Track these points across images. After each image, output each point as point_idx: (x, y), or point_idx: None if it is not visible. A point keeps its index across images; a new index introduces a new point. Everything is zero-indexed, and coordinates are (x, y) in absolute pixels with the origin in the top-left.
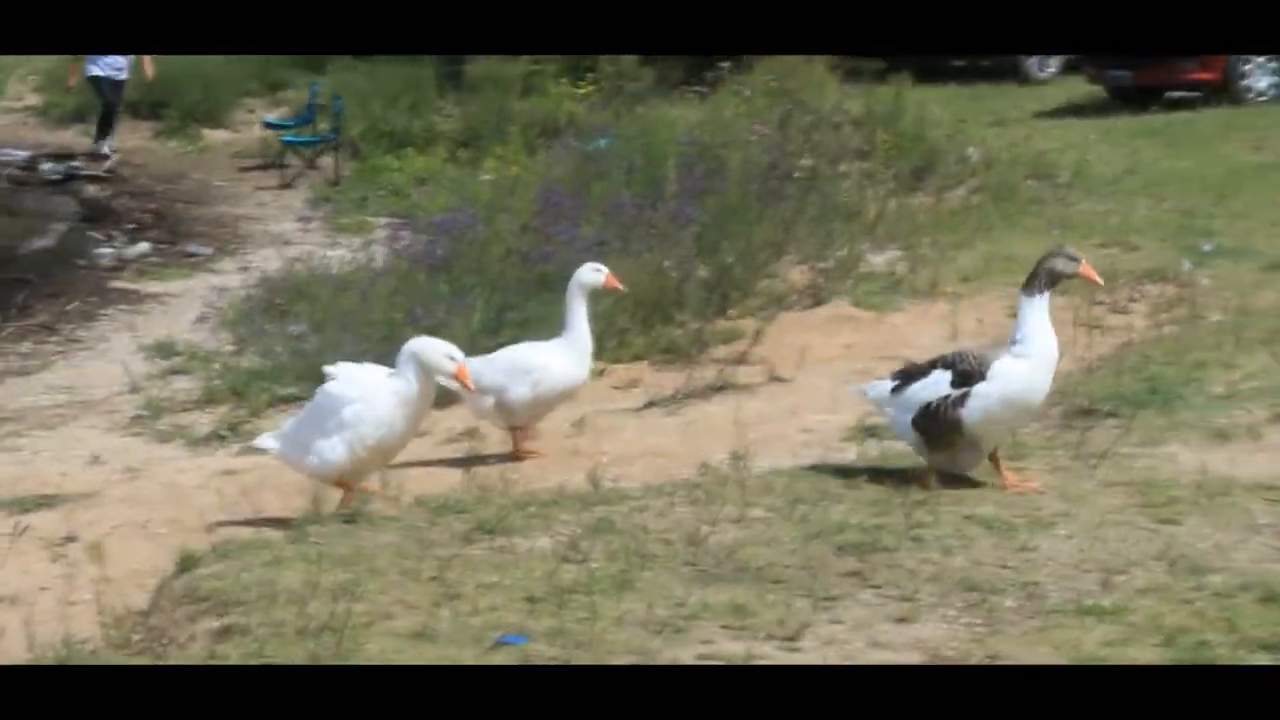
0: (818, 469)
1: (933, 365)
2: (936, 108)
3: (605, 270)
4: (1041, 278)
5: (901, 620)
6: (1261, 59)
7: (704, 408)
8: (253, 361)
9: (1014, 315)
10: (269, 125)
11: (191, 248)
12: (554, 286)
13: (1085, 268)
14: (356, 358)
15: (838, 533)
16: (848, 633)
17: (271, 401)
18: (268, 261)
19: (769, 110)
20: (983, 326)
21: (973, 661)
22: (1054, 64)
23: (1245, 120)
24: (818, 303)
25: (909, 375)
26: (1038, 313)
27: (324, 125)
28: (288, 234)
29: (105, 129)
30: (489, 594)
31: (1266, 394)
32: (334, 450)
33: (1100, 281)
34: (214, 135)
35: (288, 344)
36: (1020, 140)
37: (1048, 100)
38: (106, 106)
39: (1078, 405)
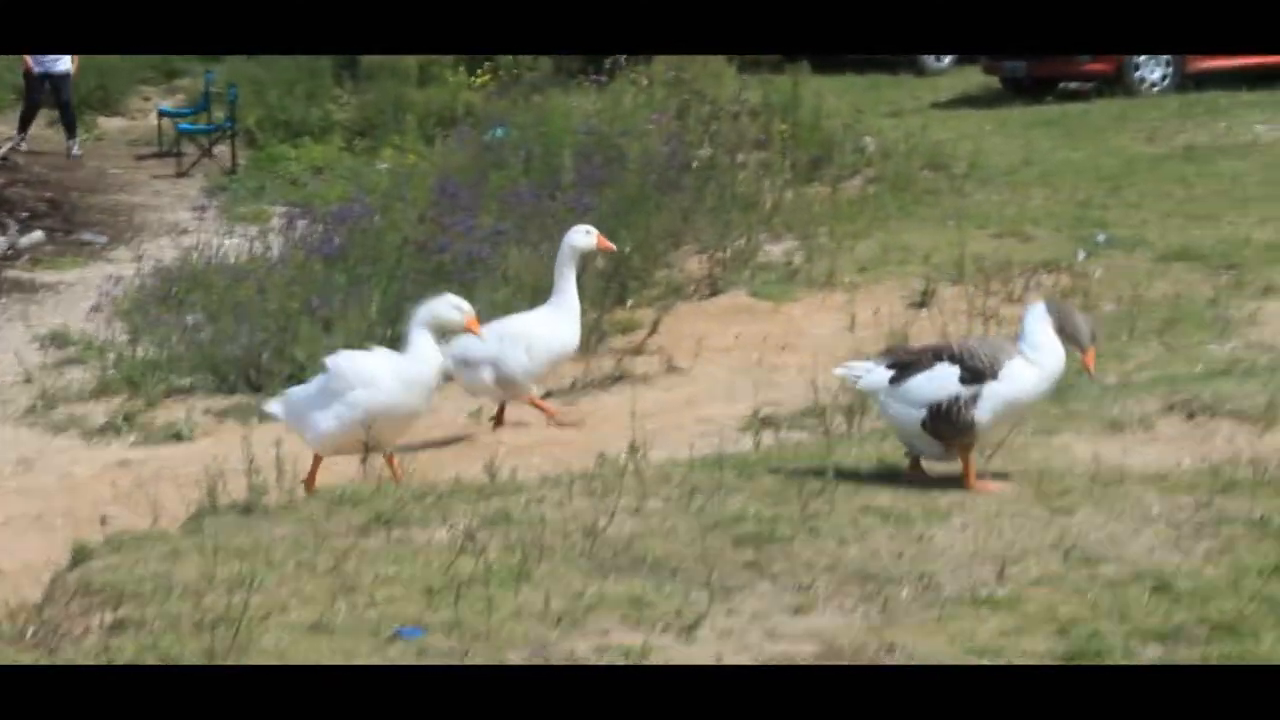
0: (715, 459)
1: (935, 357)
2: (834, 98)
3: (595, 232)
4: (1059, 312)
5: (798, 611)
6: None
7: (602, 398)
8: (148, 352)
9: (913, 304)
10: (165, 113)
11: (86, 236)
12: (450, 276)
13: (1090, 355)
14: (251, 349)
15: (735, 524)
16: (744, 624)
17: (167, 392)
18: (163, 251)
19: (667, 100)
20: (879, 317)
21: (869, 652)
22: (949, 55)
23: (1138, 111)
24: (715, 293)
25: (905, 365)
26: (1044, 327)
27: (220, 113)
28: (183, 223)
29: (25, 123)
30: (386, 586)
31: (1159, 384)
32: (325, 422)
33: (1092, 372)
34: (109, 123)
35: (183, 334)
36: (917, 131)
37: (944, 91)
38: (30, 103)
39: None
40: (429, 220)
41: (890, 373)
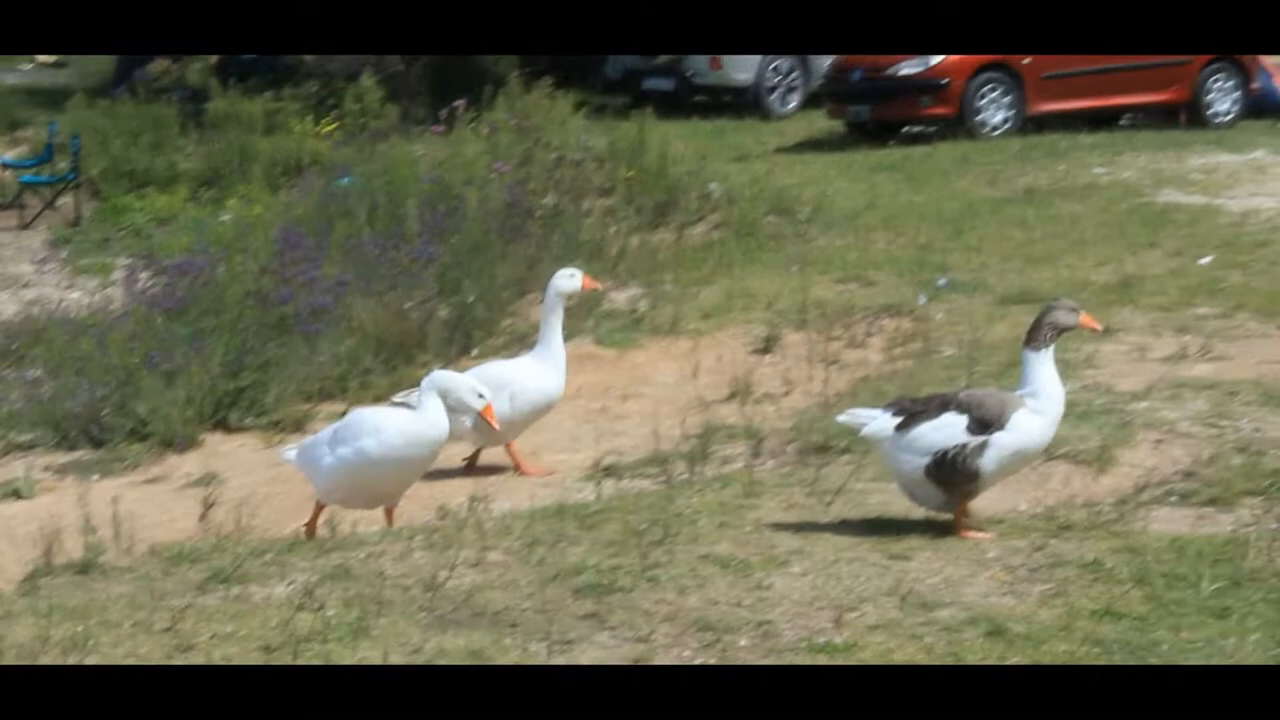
0: (556, 510)
1: (942, 406)
2: (679, 144)
3: (580, 274)
4: (1046, 331)
5: (636, 662)
6: (995, 93)
7: (447, 449)
8: None
9: (756, 351)
10: (6, 165)
11: None
12: (293, 328)
13: (1085, 317)
14: (92, 404)
15: (575, 574)
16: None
17: (7, 449)
18: (4, 305)
19: (511, 148)
20: (722, 364)
21: None
22: (795, 99)
23: (980, 154)
24: None
25: (911, 413)
26: (1045, 367)
27: (63, 164)
28: (25, 276)
29: None
30: (223, 644)
31: None
32: (326, 465)
33: (1099, 327)
34: None
35: (23, 389)
36: (762, 176)
37: (789, 136)
38: None
39: (813, 442)
40: (271, 271)
41: (896, 420)
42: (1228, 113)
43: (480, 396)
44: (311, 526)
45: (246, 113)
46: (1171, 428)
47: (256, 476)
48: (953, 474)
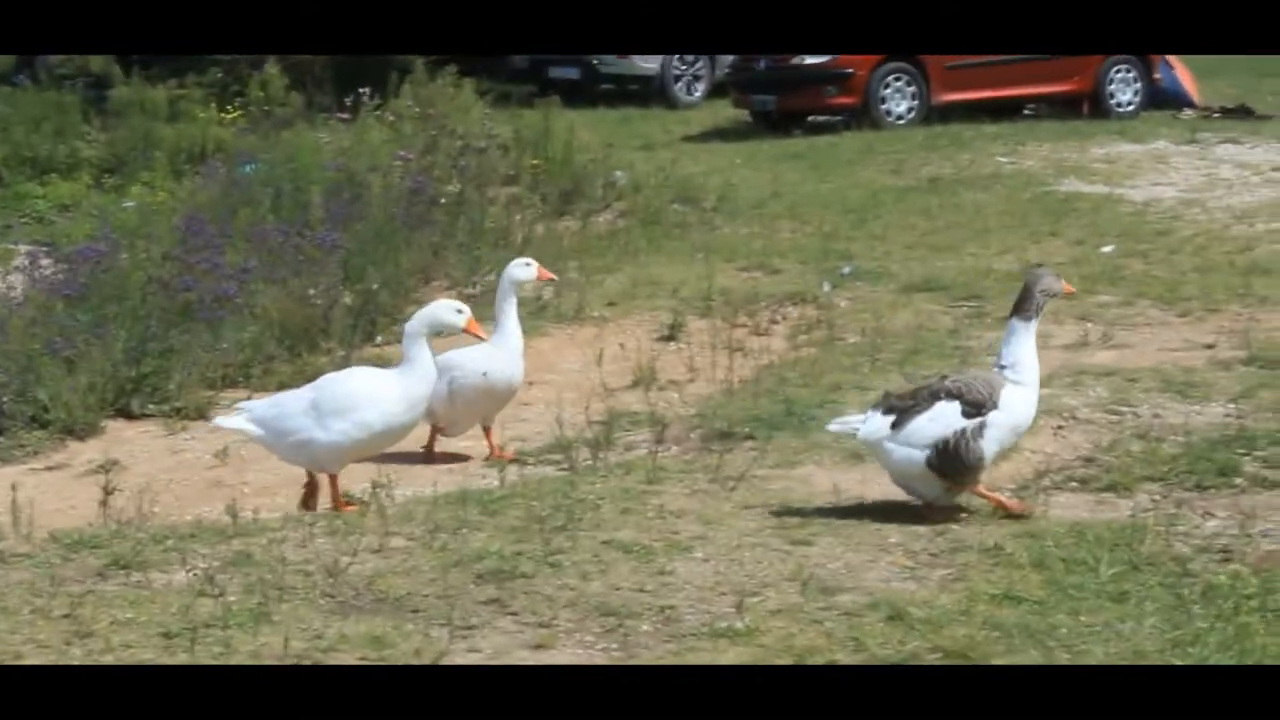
0: (459, 496)
1: (933, 396)
2: (585, 132)
3: (535, 263)
4: (1037, 301)
5: (539, 647)
6: (900, 83)
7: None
8: None
9: (661, 338)
10: None
11: None
12: (197, 315)
13: (1066, 284)
14: None
15: (477, 560)
16: (485, 661)
17: None
18: None
19: (415, 136)
20: (627, 351)
21: None
22: (701, 89)
23: (884, 144)
24: None
25: (902, 409)
26: (1028, 338)
27: None
28: None
29: None
30: (122, 631)
31: None
32: (328, 435)
33: (1074, 291)
34: None
35: None
36: (667, 164)
37: (694, 125)
38: None
39: (716, 428)
40: (174, 258)
41: (889, 419)
42: (1130, 103)
43: (459, 312)
44: (338, 499)
45: (150, 100)
46: (1072, 414)
47: (158, 464)
48: (956, 461)
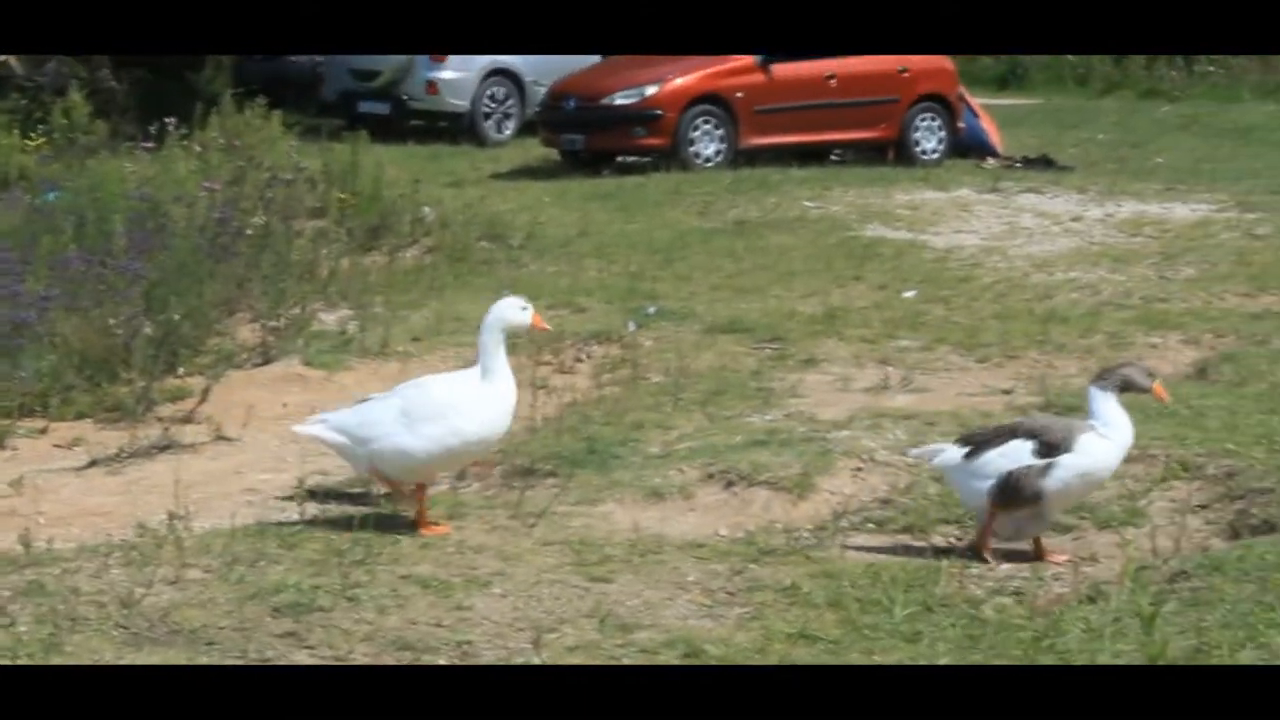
0: (257, 529)
1: (1011, 434)
2: (394, 168)
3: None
4: (1117, 380)
5: None
6: (708, 125)
7: (148, 467)
8: None
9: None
10: None
11: None
12: None
13: (1158, 387)
14: None
15: (274, 593)
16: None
17: None
18: None
19: (221, 167)
20: None
21: None
22: (511, 127)
23: (692, 186)
24: (268, 361)
25: (979, 442)
26: (1113, 404)
27: None
28: None
29: None
30: None
31: (700, 454)
32: (420, 442)
33: (1168, 400)
34: None
35: None
36: (476, 201)
37: (504, 162)
38: None
39: (519, 465)
40: None
41: (964, 450)
42: (934, 150)
43: (524, 309)
44: (423, 516)
45: None
46: (871, 456)
47: None
48: (1016, 496)
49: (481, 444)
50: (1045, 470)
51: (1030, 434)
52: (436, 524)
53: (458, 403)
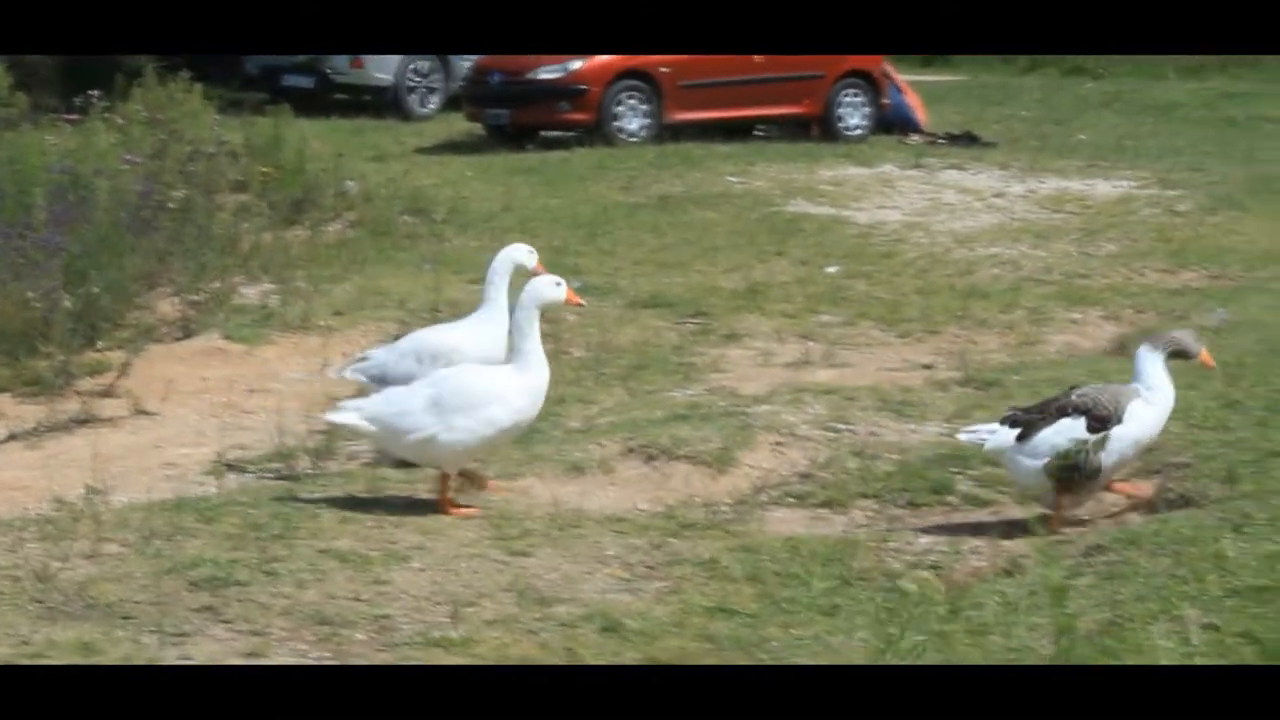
0: (175, 504)
1: (1060, 412)
2: (318, 141)
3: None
4: (1169, 342)
5: (251, 655)
6: (633, 101)
7: (66, 441)
8: None
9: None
10: None
11: None
12: None
13: (1205, 354)
14: None
15: (192, 567)
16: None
17: None
18: None
19: (143, 140)
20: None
21: None
22: (435, 101)
23: (616, 161)
24: (188, 335)
25: (1029, 423)
26: (1159, 367)
27: None
28: None
29: None
30: None
31: (620, 428)
32: (453, 434)
33: (1213, 366)
34: None
35: None
36: (399, 176)
37: (428, 137)
38: None
39: None
40: None
41: (1015, 432)
42: (858, 127)
43: (559, 285)
44: (448, 501)
45: None
46: (791, 431)
47: None
48: (1074, 471)
49: (515, 429)
50: (1100, 444)
51: (1080, 410)
52: (460, 507)
53: (495, 392)
